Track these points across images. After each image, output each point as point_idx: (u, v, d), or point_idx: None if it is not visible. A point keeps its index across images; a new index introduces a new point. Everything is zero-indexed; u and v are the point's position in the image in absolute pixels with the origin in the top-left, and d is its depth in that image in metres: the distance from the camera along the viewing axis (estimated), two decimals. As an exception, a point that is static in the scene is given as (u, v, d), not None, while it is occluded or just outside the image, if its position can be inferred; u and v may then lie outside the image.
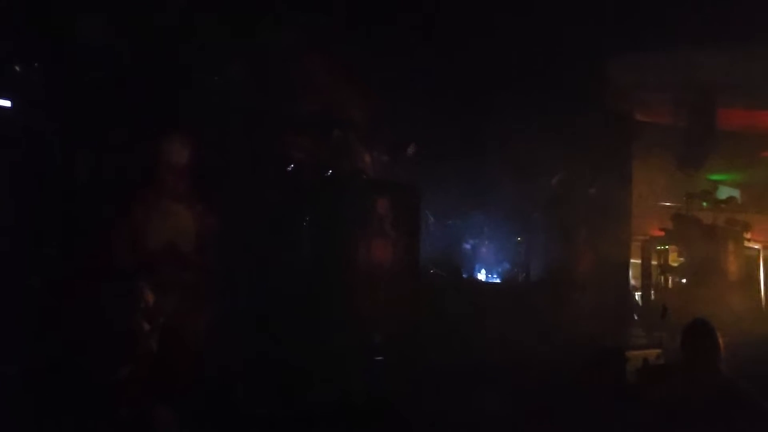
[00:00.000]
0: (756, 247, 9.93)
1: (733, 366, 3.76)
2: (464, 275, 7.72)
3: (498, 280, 7.98)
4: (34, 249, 4.18)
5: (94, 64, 4.62)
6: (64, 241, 4.27)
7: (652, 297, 8.97)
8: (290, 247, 5.64)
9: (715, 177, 10.49)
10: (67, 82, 4.58)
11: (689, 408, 3.42)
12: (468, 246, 7.92)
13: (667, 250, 9.06)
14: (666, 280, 9.05)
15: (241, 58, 5.36)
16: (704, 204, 9.52)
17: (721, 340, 3.69)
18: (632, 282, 9.05)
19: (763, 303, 9.41)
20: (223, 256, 4.87)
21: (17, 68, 4.49)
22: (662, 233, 9.18)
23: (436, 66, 6.80)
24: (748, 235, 9.45)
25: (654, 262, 9.15)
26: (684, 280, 8.86)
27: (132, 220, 4.43)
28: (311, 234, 5.74)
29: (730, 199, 10.02)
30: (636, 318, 8.02)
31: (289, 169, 5.79)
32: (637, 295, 9.10)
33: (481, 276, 7.95)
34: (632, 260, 8.92)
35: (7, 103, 4.46)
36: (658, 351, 5.39)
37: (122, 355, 2.90)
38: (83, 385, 3.07)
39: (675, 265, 9.02)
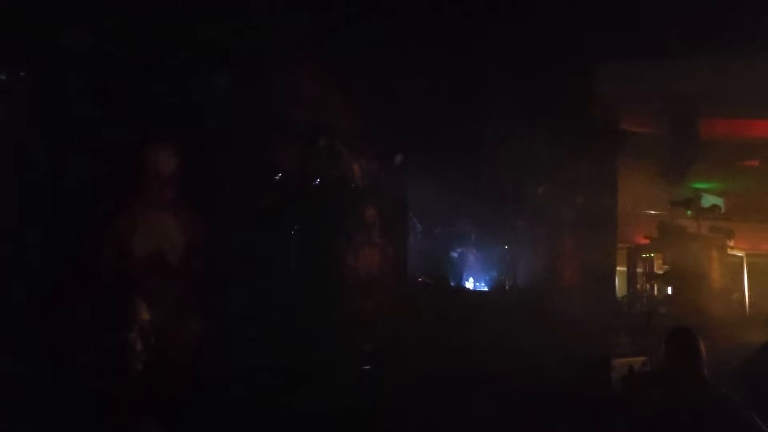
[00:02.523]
0: (739, 254, 10.07)
1: (716, 372, 3.79)
2: (452, 283, 7.74)
3: (485, 288, 8.00)
4: (22, 261, 4.15)
5: (80, 71, 4.61)
6: (53, 254, 4.24)
7: (638, 304, 9.05)
8: (278, 255, 5.65)
9: (699, 185, 10.61)
10: (51, 89, 4.56)
11: (673, 415, 3.46)
12: (455, 254, 7.94)
13: (652, 257, 9.15)
14: (651, 288, 9.13)
15: (228, 66, 5.37)
16: (688, 212, 9.64)
17: (703, 347, 3.72)
18: (618, 289, 9.13)
19: (747, 309, 9.53)
20: (211, 265, 4.87)
21: (1, 76, 4.47)
22: (647, 241, 9.27)
23: (424, 75, 6.84)
24: (731, 243, 9.58)
25: (639, 270, 9.24)
26: (669, 288, 8.95)
27: (122, 232, 4.43)
28: (299, 242, 5.75)
29: (714, 208, 10.14)
30: (622, 325, 8.07)
31: (277, 177, 5.80)
32: (623, 302, 9.17)
33: (469, 284, 7.98)
34: (618, 268, 9.01)
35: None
36: (643, 358, 5.42)
37: (114, 371, 2.89)
38: (74, 399, 3.06)
39: (660, 272, 9.11)
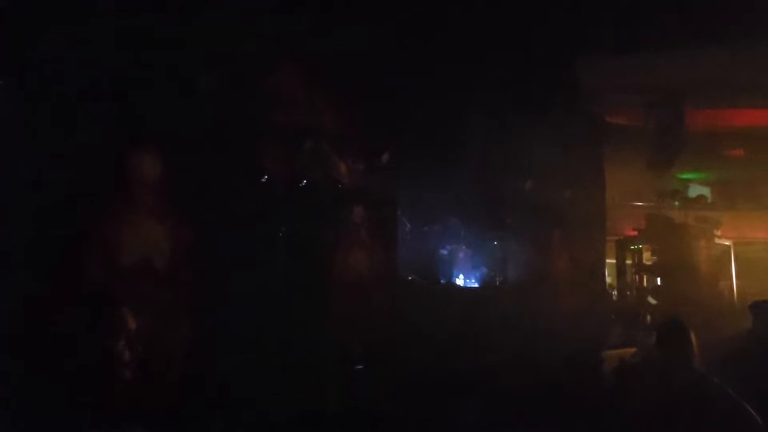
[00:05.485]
0: (727, 243, 10.16)
1: (707, 362, 3.81)
2: (442, 280, 7.73)
3: (476, 285, 8.00)
4: (6, 271, 4.10)
5: (63, 77, 4.56)
6: (37, 263, 4.19)
7: (628, 296, 9.10)
8: (266, 258, 5.61)
9: (685, 176, 10.68)
10: (35, 96, 4.51)
11: (665, 406, 3.47)
12: (445, 251, 7.94)
13: (640, 249, 9.21)
14: (641, 279, 9.18)
15: (213, 69, 5.33)
16: (675, 203, 9.70)
17: (694, 338, 3.74)
18: (608, 282, 9.18)
19: (736, 297, 9.60)
20: (199, 270, 4.83)
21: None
22: (635, 233, 9.32)
23: (410, 72, 6.82)
24: (718, 232, 9.65)
25: (628, 262, 9.29)
26: (658, 279, 9.00)
27: (107, 239, 4.38)
28: (287, 245, 5.71)
29: (700, 198, 10.22)
30: (612, 317, 8.11)
31: (263, 180, 5.76)
32: (613, 294, 9.22)
33: (459, 281, 7.97)
34: (607, 260, 9.05)
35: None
36: (633, 350, 5.45)
37: (102, 379, 2.86)
38: (62, 408, 3.02)
39: (649, 263, 9.16)
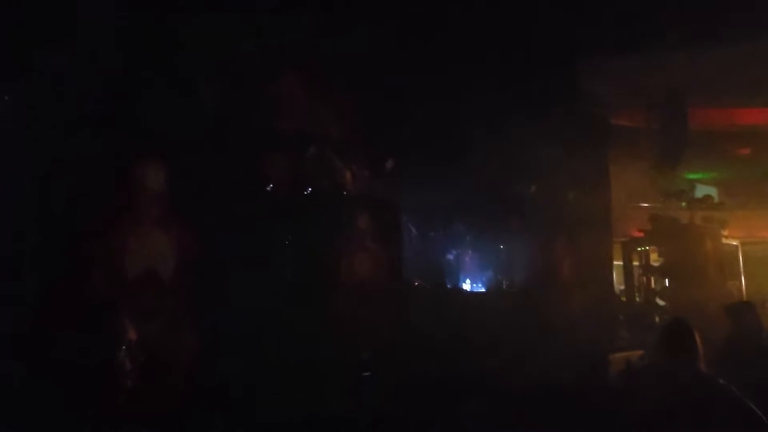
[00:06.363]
0: (734, 243, 10.10)
1: (712, 363, 3.80)
2: (449, 285, 7.74)
3: (482, 289, 8.00)
4: (10, 280, 4.14)
5: (67, 88, 4.60)
6: (41, 272, 4.23)
7: (635, 298, 9.06)
8: (273, 266, 5.64)
9: (692, 176, 10.63)
10: (38, 107, 4.55)
11: (670, 408, 3.46)
12: (451, 256, 7.95)
13: (647, 250, 9.16)
14: (648, 281, 9.14)
15: (217, 77, 5.36)
16: (682, 203, 9.66)
17: (699, 339, 3.73)
18: (615, 283, 9.14)
19: (745, 297, 9.53)
20: (204, 278, 4.86)
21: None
22: (642, 234, 9.28)
23: (414, 77, 6.84)
24: (725, 232, 9.60)
25: (636, 263, 9.25)
26: (666, 280, 8.95)
27: (110, 249, 4.42)
28: (294, 252, 5.74)
29: (707, 198, 10.17)
30: (620, 319, 8.08)
31: (269, 188, 5.79)
32: (621, 296, 9.18)
33: (466, 285, 7.98)
34: (614, 262, 9.02)
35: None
36: (641, 352, 5.44)
37: (102, 389, 2.89)
38: (63, 414, 3.05)
39: (656, 265, 9.12)
